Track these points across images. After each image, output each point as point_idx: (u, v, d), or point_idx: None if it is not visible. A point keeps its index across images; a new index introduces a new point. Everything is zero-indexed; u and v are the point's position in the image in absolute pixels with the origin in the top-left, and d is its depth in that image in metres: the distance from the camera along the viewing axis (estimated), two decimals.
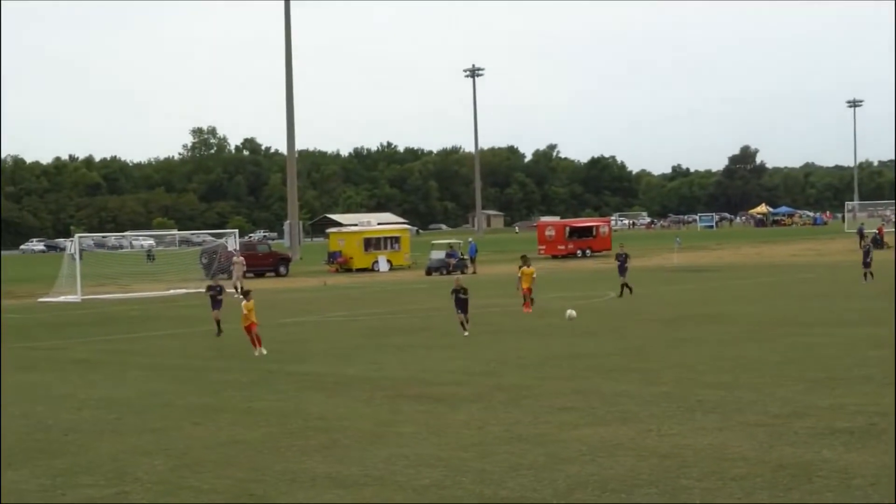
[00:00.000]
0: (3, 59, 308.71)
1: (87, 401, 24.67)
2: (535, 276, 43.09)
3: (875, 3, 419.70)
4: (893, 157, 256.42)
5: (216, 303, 37.23)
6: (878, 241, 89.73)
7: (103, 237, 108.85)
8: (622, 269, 49.18)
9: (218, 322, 36.96)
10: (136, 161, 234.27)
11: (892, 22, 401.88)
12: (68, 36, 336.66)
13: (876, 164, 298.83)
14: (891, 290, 44.04)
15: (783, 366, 25.87)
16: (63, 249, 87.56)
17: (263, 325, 40.92)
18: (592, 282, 59.64)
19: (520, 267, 44.11)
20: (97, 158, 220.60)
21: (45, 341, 38.91)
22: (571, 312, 29.30)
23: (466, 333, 34.11)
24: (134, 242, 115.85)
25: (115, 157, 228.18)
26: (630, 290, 48.39)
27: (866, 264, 51.95)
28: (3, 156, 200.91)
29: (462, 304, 35.19)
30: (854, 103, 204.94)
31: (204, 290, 39.90)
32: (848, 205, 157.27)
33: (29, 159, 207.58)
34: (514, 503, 14.45)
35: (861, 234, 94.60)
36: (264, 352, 31.59)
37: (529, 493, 14.93)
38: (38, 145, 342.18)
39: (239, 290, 55.74)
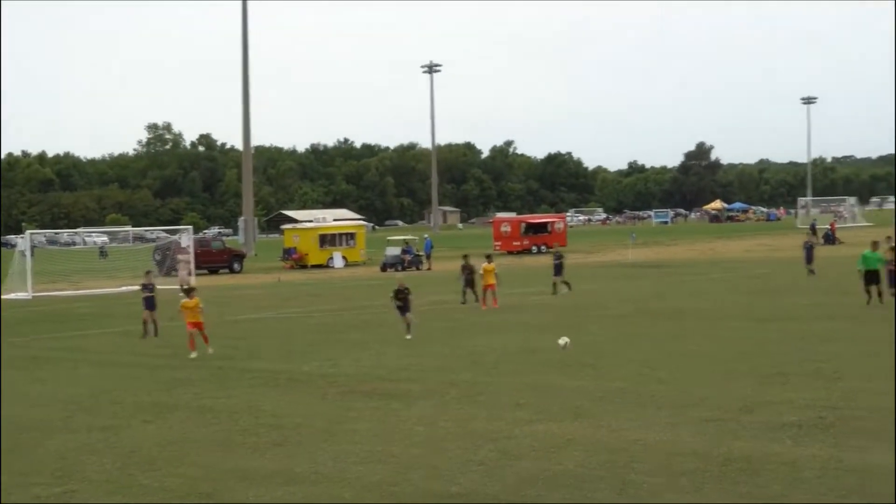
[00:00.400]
0: None
1: (36, 399, 24.51)
2: (496, 272, 42.60)
3: (828, 3, 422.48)
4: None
5: (149, 302, 36.23)
6: (830, 237, 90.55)
7: (55, 234, 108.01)
8: (558, 268, 49.21)
9: (145, 323, 36.07)
10: (89, 157, 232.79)
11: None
12: (20, 31, 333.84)
13: (829, 160, 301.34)
14: (838, 284, 44.42)
15: (735, 361, 26.02)
16: (14, 246, 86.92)
17: (217, 321, 40.81)
18: (547, 278, 59.77)
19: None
20: (50, 154, 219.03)
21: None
22: (565, 340, 27.81)
23: (409, 336, 32.95)
24: (87, 239, 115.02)
25: (69, 152, 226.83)
26: (568, 286, 48.52)
27: (809, 260, 52.21)
28: None
29: (405, 305, 33.96)
30: (808, 100, 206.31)
31: (139, 288, 38.43)
32: (801, 201, 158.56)
33: None
34: (463, 499, 14.48)
35: (813, 230, 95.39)
36: (210, 350, 30.98)
37: (479, 488, 14.97)
38: None
39: (182, 288, 55.35)
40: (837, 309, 36.88)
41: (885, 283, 37.27)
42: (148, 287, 36.72)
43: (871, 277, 37.53)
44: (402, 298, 33.78)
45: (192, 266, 66.26)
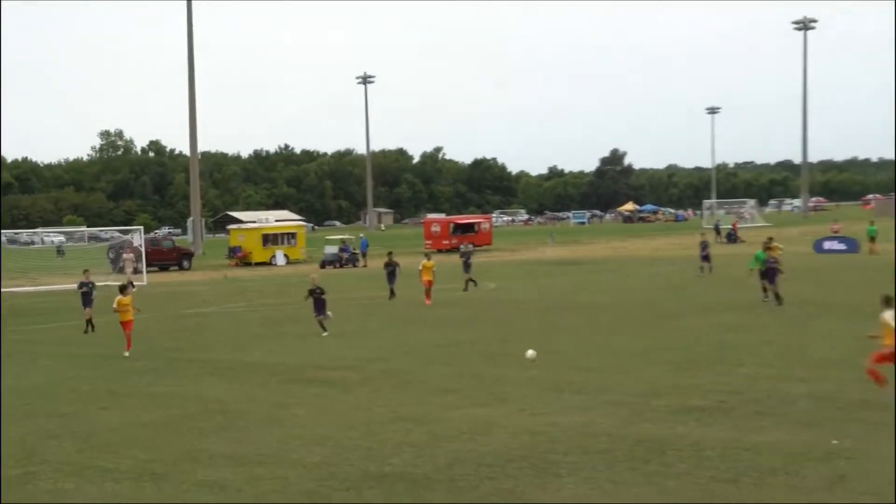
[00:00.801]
0: None
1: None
2: (434, 269, 42.25)
3: (731, 16, 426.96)
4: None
5: (87, 300, 35.62)
6: (733, 237, 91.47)
7: (15, 234, 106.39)
8: (466, 266, 49.22)
9: (87, 320, 35.56)
10: (46, 162, 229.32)
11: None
12: None
13: (732, 165, 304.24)
14: (738, 280, 44.90)
15: (647, 350, 26.27)
16: None
17: (166, 315, 40.59)
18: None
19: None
20: (9, 159, 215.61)
21: None
22: (532, 353, 26.02)
23: (325, 334, 31.67)
24: (45, 238, 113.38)
25: (27, 157, 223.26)
26: (475, 283, 48.55)
27: (704, 258, 52.17)
28: None
29: (320, 305, 32.53)
30: (712, 110, 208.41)
31: (76, 287, 37.36)
32: (706, 203, 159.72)
33: None
34: (397, 479, 14.57)
35: (717, 230, 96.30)
36: (126, 354, 28.92)
37: (411, 468, 15.06)
38: None
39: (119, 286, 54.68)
40: (737, 302, 37.31)
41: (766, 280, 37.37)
42: (87, 285, 36.14)
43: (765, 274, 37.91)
44: (316, 298, 32.49)
45: (142, 264, 65.73)
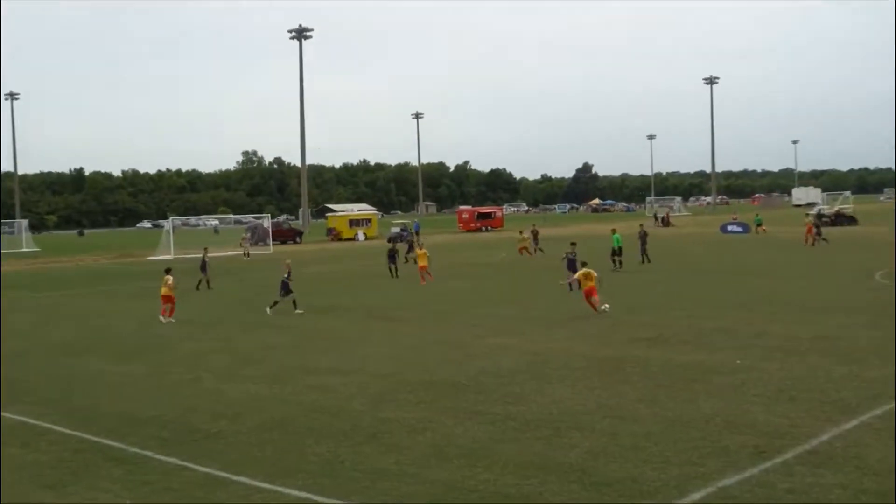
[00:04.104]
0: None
1: (176, 319, 24.24)
2: (428, 255, 34.51)
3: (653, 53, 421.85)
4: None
5: (204, 267, 34.37)
6: (665, 221, 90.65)
7: (187, 219, 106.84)
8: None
9: (204, 281, 34.17)
10: (207, 171, 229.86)
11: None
12: (166, 88, 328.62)
13: (664, 173, 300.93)
14: (666, 255, 44.40)
15: (609, 299, 25.99)
16: (162, 227, 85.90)
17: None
18: (490, 247, 59.69)
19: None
20: (184, 170, 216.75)
21: (150, 282, 38.31)
22: (607, 307, 24.21)
23: (300, 311, 24.86)
24: (206, 223, 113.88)
25: (195, 169, 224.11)
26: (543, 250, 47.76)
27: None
28: (126, 168, 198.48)
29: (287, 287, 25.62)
30: (651, 136, 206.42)
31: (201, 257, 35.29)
32: (648, 199, 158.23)
33: (142, 170, 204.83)
34: (441, 385, 14.50)
35: (656, 217, 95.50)
36: (168, 321, 24.14)
37: (452, 378, 14.97)
38: (149, 160, 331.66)
39: (246, 255, 54.25)
40: (665, 265, 36.89)
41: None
42: (203, 260, 35.15)
43: (617, 252, 36.36)
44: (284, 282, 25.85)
45: (269, 239, 65.82)
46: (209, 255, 36.55)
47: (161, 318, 24.46)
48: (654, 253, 40.57)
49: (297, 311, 24.78)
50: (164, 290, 24.91)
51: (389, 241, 67.90)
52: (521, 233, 50.66)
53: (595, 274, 22.58)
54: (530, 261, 43.86)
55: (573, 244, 29.93)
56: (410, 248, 43.11)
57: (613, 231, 38.72)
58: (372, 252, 54.29)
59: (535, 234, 50.84)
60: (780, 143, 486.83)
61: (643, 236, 39.30)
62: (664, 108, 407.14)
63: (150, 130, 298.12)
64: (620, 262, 36.04)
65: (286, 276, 25.83)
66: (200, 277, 34.57)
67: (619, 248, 36.70)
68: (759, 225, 64.68)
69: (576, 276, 23.35)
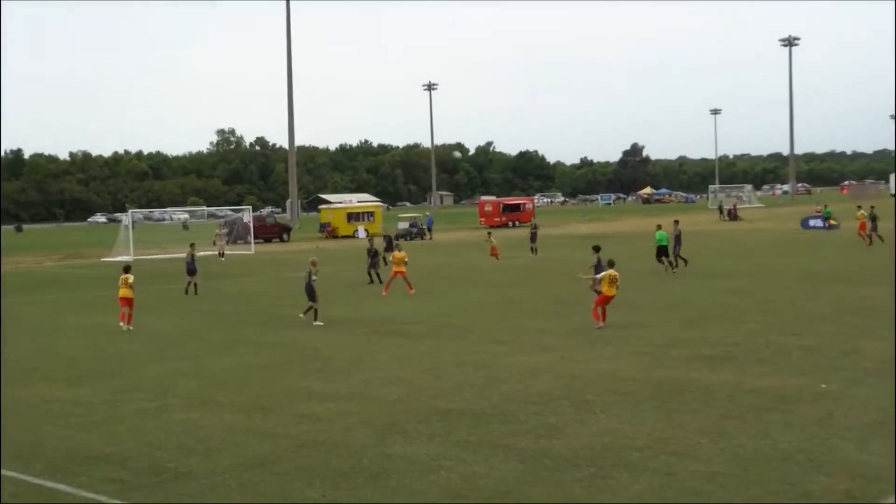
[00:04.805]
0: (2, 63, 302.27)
1: (136, 335, 24.48)
2: (406, 259, 33.37)
3: (726, 29, 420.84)
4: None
5: (190, 268, 34.87)
6: (733, 215, 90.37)
7: (150, 212, 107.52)
8: (533, 237, 50.64)
9: (191, 284, 34.86)
10: (174, 154, 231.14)
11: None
12: (115, 53, 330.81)
13: (731, 157, 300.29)
14: (749, 250, 44.31)
15: (665, 308, 26.00)
16: (119, 221, 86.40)
17: (270, 278, 40.73)
18: (520, 246, 59.61)
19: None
20: (145, 152, 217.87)
21: (105, 290, 38.54)
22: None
23: (317, 323, 25.37)
24: (173, 216, 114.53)
25: (159, 151, 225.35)
26: (535, 252, 49.33)
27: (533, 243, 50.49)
28: (75, 150, 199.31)
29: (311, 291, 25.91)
30: (715, 111, 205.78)
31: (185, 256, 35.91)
32: (711, 188, 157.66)
33: (94, 153, 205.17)
34: (461, 414, 14.48)
35: (720, 210, 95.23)
36: (128, 328, 25.38)
37: (472, 405, 14.97)
38: (101, 141, 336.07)
39: (221, 256, 54.68)
40: (736, 269, 36.81)
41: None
42: (191, 259, 35.51)
43: (663, 251, 37.24)
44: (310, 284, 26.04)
45: (251, 236, 66.20)
46: (198, 252, 36.87)
47: (121, 324, 25.27)
48: (719, 253, 40.41)
49: (316, 322, 25.17)
50: (123, 291, 25.45)
51: (396, 237, 68.26)
52: (489, 235, 50.90)
53: (618, 280, 22.67)
54: (567, 264, 43.80)
55: (597, 248, 29.13)
56: (390, 246, 41.78)
57: (658, 227, 38.77)
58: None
59: (534, 233, 51.78)
60: (875, 119, 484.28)
61: (677, 237, 39.20)
62: (731, 76, 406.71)
63: (103, 103, 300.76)
64: (671, 263, 36.73)
65: (311, 276, 25.95)
66: (189, 280, 35.21)
67: (665, 248, 37.28)
68: (827, 218, 64.85)
69: (601, 276, 23.25)
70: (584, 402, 14.90)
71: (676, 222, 40.29)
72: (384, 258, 41.42)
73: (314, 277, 26.01)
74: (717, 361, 17.79)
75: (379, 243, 42.76)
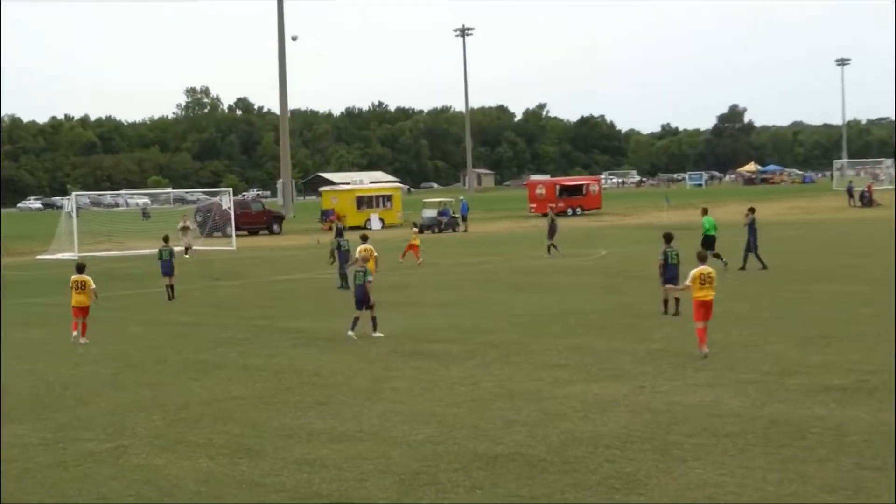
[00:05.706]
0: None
1: (85, 356, 24.66)
2: (375, 255, 34.07)
3: None
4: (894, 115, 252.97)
5: (166, 267, 36.45)
6: (867, 199, 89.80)
7: (99, 195, 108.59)
8: (551, 231, 49.74)
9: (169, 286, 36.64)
10: (130, 120, 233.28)
11: (893, 22, 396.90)
12: None
13: (864, 122, 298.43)
14: (872, 244, 43.99)
15: (774, 322, 25.87)
16: (60, 207, 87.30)
17: (256, 282, 40.83)
18: (583, 240, 59.56)
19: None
20: (93, 118, 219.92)
21: (44, 297, 38.91)
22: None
23: (377, 335, 25.67)
24: (129, 201, 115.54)
25: (111, 116, 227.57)
26: (556, 248, 48.86)
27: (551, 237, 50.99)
28: (1, 115, 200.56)
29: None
30: (842, 62, 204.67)
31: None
32: (836, 163, 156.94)
33: (26, 118, 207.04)
34: (509, 459, 14.42)
35: (850, 193, 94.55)
36: (84, 341, 26.53)
37: (524, 448, 14.91)
38: (34, 104, 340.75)
39: (186, 252, 55.13)
40: (875, 272, 36.53)
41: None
42: (168, 253, 36.82)
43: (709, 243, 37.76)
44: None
45: (231, 228, 66.55)
46: (174, 246, 37.56)
47: (73, 334, 26.48)
48: (846, 250, 40.14)
49: (376, 333, 25.45)
50: (77, 298, 26.53)
51: (421, 229, 68.71)
52: (414, 225, 52.22)
53: (713, 279, 22.35)
54: (647, 269, 43.69)
55: (669, 237, 29.31)
56: (339, 233, 40.39)
57: (705, 212, 39.05)
58: (395, 247, 54.46)
59: (552, 227, 50.85)
60: None
61: (751, 225, 39.16)
62: (864, 15, 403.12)
63: (38, 54, 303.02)
64: (724, 260, 37.52)
65: (367, 276, 25.83)
66: (168, 283, 36.55)
67: (713, 238, 38.14)
68: None
69: (683, 285, 23.16)
70: (671, 445, 14.80)
71: (752, 210, 40.16)
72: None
73: (369, 279, 25.86)
74: (848, 394, 17.63)
75: (355, 240, 42.13)
